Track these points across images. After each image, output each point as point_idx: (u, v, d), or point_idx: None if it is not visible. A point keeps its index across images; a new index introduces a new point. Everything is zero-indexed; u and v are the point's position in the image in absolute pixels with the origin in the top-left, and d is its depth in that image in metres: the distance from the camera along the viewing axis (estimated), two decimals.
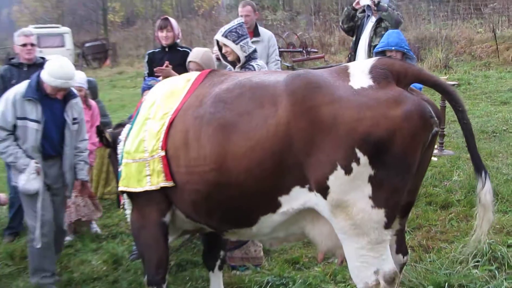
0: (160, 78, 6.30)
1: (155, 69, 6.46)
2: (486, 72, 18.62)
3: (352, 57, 9.20)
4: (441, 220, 7.23)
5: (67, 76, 5.70)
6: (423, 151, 4.02)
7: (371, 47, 8.63)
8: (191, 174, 4.41)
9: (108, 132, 5.41)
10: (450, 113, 11.07)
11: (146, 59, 7.46)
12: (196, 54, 6.23)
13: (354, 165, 3.82)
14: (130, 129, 4.93)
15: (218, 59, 6.43)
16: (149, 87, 5.77)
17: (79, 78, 7.15)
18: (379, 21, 8.79)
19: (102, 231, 7.71)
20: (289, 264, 6.32)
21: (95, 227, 7.68)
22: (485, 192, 4.04)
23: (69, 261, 6.81)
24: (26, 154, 5.78)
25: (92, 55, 35.93)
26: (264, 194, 4.19)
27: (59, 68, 5.68)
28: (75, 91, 6.20)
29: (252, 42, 6.20)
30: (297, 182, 4.08)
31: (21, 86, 5.84)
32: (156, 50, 7.51)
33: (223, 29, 5.96)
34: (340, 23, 9.86)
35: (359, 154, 3.80)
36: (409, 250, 4.88)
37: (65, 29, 34.93)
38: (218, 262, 5.53)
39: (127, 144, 4.84)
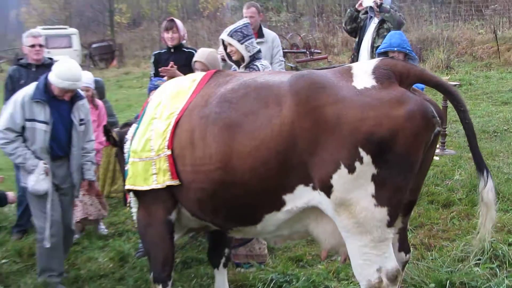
0: (165, 78, 6.31)
1: (160, 69, 6.47)
2: (487, 72, 18.56)
3: (355, 58, 9.20)
4: (443, 218, 7.22)
5: (74, 77, 5.71)
6: (425, 151, 4.02)
7: (373, 48, 8.63)
8: (196, 173, 4.42)
9: (115, 132, 5.42)
10: (451, 113, 11.00)
11: (152, 60, 7.48)
12: (201, 54, 6.24)
13: (357, 164, 3.83)
14: (137, 128, 4.94)
15: (223, 59, 6.44)
16: (156, 87, 5.78)
17: (86, 79, 7.16)
18: (381, 22, 8.79)
19: (109, 229, 7.71)
20: (292, 262, 6.32)
21: (103, 228, 7.67)
22: (487, 190, 4.03)
23: (76, 258, 6.82)
24: (35, 155, 5.78)
25: (99, 55, 35.93)
26: (269, 193, 4.20)
27: (67, 70, 5.69)
28: (81, 92, 6.20)
29: (257, 43, 6.19)
30: (301, 181, 4.09)
31: (29, 88, 5.83)
32: (162, 51, 7.53)
33: (228, 29, 5.99)
34: (343, 25, 9.87)
35: (363, 153, 3.80)
36: (411, 248, 4.88)
37: (72, 30, 34.95)
38: (223, 260, 5.53)
39: (134, 143, 4.85)
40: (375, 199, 3.90)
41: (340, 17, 29.39)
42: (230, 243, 5.66)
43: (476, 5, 26.69)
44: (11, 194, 5.89)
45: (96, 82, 8.02)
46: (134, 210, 5.05)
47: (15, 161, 5.92)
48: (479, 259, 5.81)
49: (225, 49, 6.05)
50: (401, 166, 3.85)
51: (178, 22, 7.44)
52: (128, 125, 5.42)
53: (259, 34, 7.81)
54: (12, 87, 7.10)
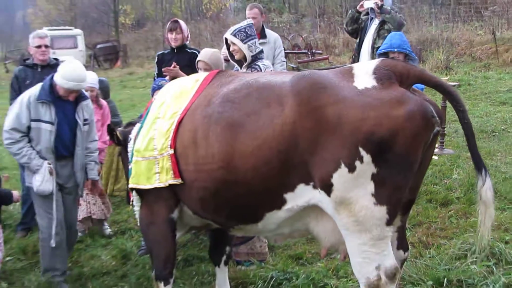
0: (167, 77, 6.32)
1: (163, 69, 6.47)
2: (486, 73, 18.57)
3: (355, 59, 9.20)
4: (441, 217, 7.22)
5: (79, 78, 5.71)
6: (425, 150, 4.01)
7: (374, 48, 8.63)
8: (199, 172, 4.41)
9: (118, 131, 5.42)
10: (450, 113, 11.04)
11: (156, 60, 7.48)
12: (205, 54, 6.24)
13: (357, 163, 3.82)
14: (140, 128, 4.93)
15: (226, 60, 6.44)
16: (159, 87, 5.77)
17: (91, 79, 7.16)
18: (382, 23, 8.79)
19: (112, 227, 7.71)
20: (292, 260, 6.32)
21: (107, 228, 7.66)
22: (485, 189, 4.01)
23: (79, 256, 6.82)
24: (40, 155, 5.77)
25: (103, 56, 35.98)
26: (270, 192, 4.19)
27: (72, 71, 5.69)
28: (85, 93, 6.20)
29: (259, 44, 6.19)
30: (302, 180, 4.08)
31: (35, 89, 5.83)
32: (166, 52, 7.53)
33: (232, 28, 6.01)
34: (344, 26, 9.87)
35: (363, 152, 3.80)
36: (409, 246, 4.87)
37: (77, 31, 35.08)
38: (224, 257, 5.53)
39: (137, 143, 4.84)
40: (374, 198, 3.89)
41: (341, 18, 29.40)
42: (231, 241, 5.66)
43: (475, 6, 26.70)
44: (16, 193, 5.90)
45: (101, 82, 8.03)
46: (137, 208, 5.04)
47: (20, 161, 5.91)
48: (476, 257, 5.80)
49: (228, 48, 6.06)
50: (400, 165, 3.85)
51: (182, 23, 7.44)
52: (131, 124, 5.42)
53: (262, 35, 7.81)
54: (18, 87, 7.11)
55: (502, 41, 21.25)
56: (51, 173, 5.77)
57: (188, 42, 7.50)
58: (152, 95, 5.96)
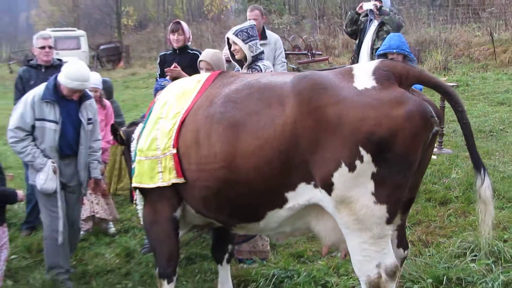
0: (168, 77, 6.34)
1: (165, 69, 6.47)
2: (484, 74, 18.57)
3: (355, 59, 9.20)
4: (440, 216, 7.22)
5: (83, 78, 5.72)
6: (424, 150, 4.01)
7: (373, 49, 8.64)
8: (201, 171, 4.41)
9: (122, 130, 5.42)
10: (449, 113, 11.05)
11: (158, 61, 7.48)
12: (207, 54, 6.25)
13: (357, 162, 3.82)
14: (143, 127, 4.93)
15: (228, 61, 6.45)
16: (162, 88, 5.78)
17: (95, 79, 7.15)
18: (381, 25, 8.79)
19: (115, 226, 7.71)
20: (294, 258, 6.31)
21: (111, 227, 7.66)
22: (484, 188, 4.02)
23: (83, 254, 6.83)
24: (44, 154, 5.78)
25: (106, 57, 36.00)
26: (272, 191, 4.19)
27: (76, 71, 5.70)
28: (89, 92, 6.20)
29: (260, 45, 6.20)
30: (303, 179, 4.08)
31: (39, 89, 5.84)
32: (168, 52, 7.53)
33: (235, 28, 6.03)
34: (344, 27, 9.87)
35: (363, 152, 3.80)
36: (409, 245, 4.87)
37: (80, 32, 35.07)
38: (226, 256, 5.52)
39: (140, 142, 4.84)
40: (374, 196, 3.89)
41: (340, 19, 29.43)
42: (234, 239, 5.66)
43: (473, 8, 26.72)
44: (20, 193, 5.91)
45: (104, 82, 8.02)
46: (140, 207, 5.04)
47: (24, 160, 5.92)
48: (475, 255, 5.80)
49: (230, 47, 6.07)
50: (400, 164, 3.85)
51: (184, 24, 7.44)
52: (134, 124, 5.42)
53: (262, 36, 7.80)
54: (22, 87, 7.11)
55: (500, 42, 21.27)
56: (55, 172, 5.78)
57: (190, 43, 7.50)
58: (155, 96, 5.96)
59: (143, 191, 4.88)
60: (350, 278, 5.58)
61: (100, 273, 6.25)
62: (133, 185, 4.89)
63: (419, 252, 6.12)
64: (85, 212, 7.29)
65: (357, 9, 9.18)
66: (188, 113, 4.61)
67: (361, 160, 3.82)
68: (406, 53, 6.65)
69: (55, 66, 7.03)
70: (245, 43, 5.93)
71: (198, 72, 6.09)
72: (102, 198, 7.40)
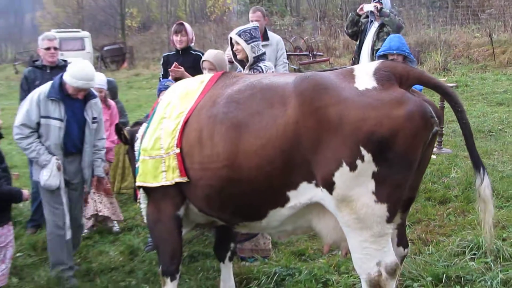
0: (170, 77, 6.34)
1: (170, 69, 6.48)
2: (483, 74, 18.57)
3: (356, 60, 9.20)
4: (440, 214, 7.22)
5: (87, 77, 5.74)
6: (424, 149, 4.01)
7: (373, 50, 8.63)
8: (204, 170, 4.41)
9: (126, 130, 5.43)
10: (448, 113, 11.05)
11: (161, 62, 7.48)
12: (210, 54, 6.27)
13: (358, 162, 3.82)
14: (147, 127, 4.94)
15: (230, 62, 6.46)
16: (165, 88, 5.78)
17: (100, 80, 7.17)
18: (381, 26, 8.79)
19: (119, 224, 7.71)
20: (295, 256, 6.32)
21: (115, 226, 7.66)
22: (484, 187, 4.02)
23: (88, 252, 6.84)
24: (49, 151, 5.80)
25: (110, 58, 36.02)
26: (274, 190, 4.19)
27: (81, 70, 5.73)
28: (95, 92, 6.22)
29: (262, 46, 6.20)
30: (304, 178, 4.08)
31: (45, 87, 5.87)
32: (171, 53, 7.53)
33: (238, 29, 6.05)
34: (345, 28, 9.87)
35: (364, 151, 3.80)
36: (409, 243, 4.86)
37: (85, 33, 35.10)
38: (229, 254, 5.52)
39: (144, 142, 4.85)
40: (375, 195, 3.89)
41: (341, 21, 29.42)
42: (236, 238, 5.66)
43: (473, 9, 26.69)
44: (26, 192, 5.91)
45: (109, 82, 8.04)
46: (144, 206, 5.04)
47: (29, 156, 5.94)
48: (474, 254, 5.80)
49: (232, 47, 6.08)
50: (400, 164, 3.85)
51: (187, 25, 7.44)
52: (138, 124, 5.42)
53: (264, 37, 7.79)
54: (28, 87, 7.11)
55: (499, 43, 21.25)
56: (58, 169, 5.80)
57: (192, 44, 7.49)
58: (158, 96, 5.96)
59: (147, 190, 4.88)
60: (351, 276, 5.58)
61: (104, 270, 6.27)
62: (137, 184, 4.90)
63: (419, 250, 6.11)
64: (88, 211, 7.31)
65: (357, 11, 9.17)
66: (191, 113, 4.61)
67: (362, 160, 3.82)
68: (406, 54, 6.64)
69: (60, 67, 7.04)
70: (248, 44, 5.95)
71: (201, 73, 6.10)
72: (105, 197, 7.41)
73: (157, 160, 4.67)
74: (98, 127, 6.16)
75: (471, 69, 19.66)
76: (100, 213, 7.40)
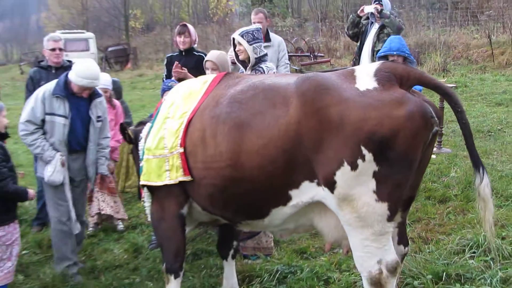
0: (173, 77, 6.35)
1: (173, 70, 6.48)
2: (482, 75, 18.56)
3: (356, 61, 9.19)
4: (439, 213, 7.21)
5: (92, 76, 5.75)
6: (424, 149, 4.01)
7: (374, 51, 8.62)
8: (207, 169, 4.42)
9: (130, 130, 5.43)
10: (448, 114, 11.05)
11: (165, 62, 7.48)
12: (212, 54, 6.28)
13: (359, 161, 3.82)
14: (151, 127, 4.94)
15: (233, 62, 6.46)
16: (169, 88, 5.79)
17: (105, 80, 7.18)
18: (382, 27, 8.78)
19: (123, 222, 7.72)
20: (297, 254, 6.31)
21: (120, 224, 7.66)
22: (483, 186, 4.02)
23: (92, 249, 6.85)
24: (53, 147, 5.81)
25: (114, 58, 36.07)
26: (276, 189, 4.20)
27: (86, 69, 5.74)
28: (100, 91, 6.22)
29: (264, 47, 6.20)
30: (306, 177, 4.08)
31: (50, 85, 5.89)
32: (174, 54, 7.54)
33: (241, 29, 6.06)
34: (346, 29, 9.86)
35: (365, 151, 3.80)
36: (409, 242, 4.87)
37: (89, 34, 35.17)
38: (231, 252, 5.52)
39: (148, 141, 4.85)
40: (376, 194, 3.89)
41: (342, 22, 29.41)
42: (239, 236, 5.66)
43: (472, 11, 26.69)
44: (31, 192, 5.92)
45: (114, 82, 8.05)
46: (148, 204, 5.05)
47: (34, 152, 5.95)
48: (474, 252, 5.80)
49: (235, 47, 6.09)
50: (401, 163, 3.85)
51: (190, 27, 7.44)
52: (142, 124, 5.43)
53: (266, 39, 7.79)
54: (33, 87, 7.09)
55: (498, 44, 21.25)
56: (62, 165, 5.81)
57: (195, 45, 7.50)
58: (162, 96, 5.97)
59: (151, 188, 4.89)
60: (352, 274, 5.58)
61: (108, 268, 6.27)
62: (141, 183, 4.90)
63: (419, 249, 6.11)
64: (93, 209, 7.32)
65: (358, 12, 9.16)
66: (194, 113, 4.61)
67: (363, 159, 3.82)
68: (406, 55, 6.64)
69: (65, 67, 7.03)
70: (250, 45, 5.95)
71: (204, 73, 6.10)
72: (108, 196, 7.41)
73: (161, 159, 4.68)
74: (102, 126, 6.16)
75: (470, 70, 19.65)
76: (103, 212, 7.41)
